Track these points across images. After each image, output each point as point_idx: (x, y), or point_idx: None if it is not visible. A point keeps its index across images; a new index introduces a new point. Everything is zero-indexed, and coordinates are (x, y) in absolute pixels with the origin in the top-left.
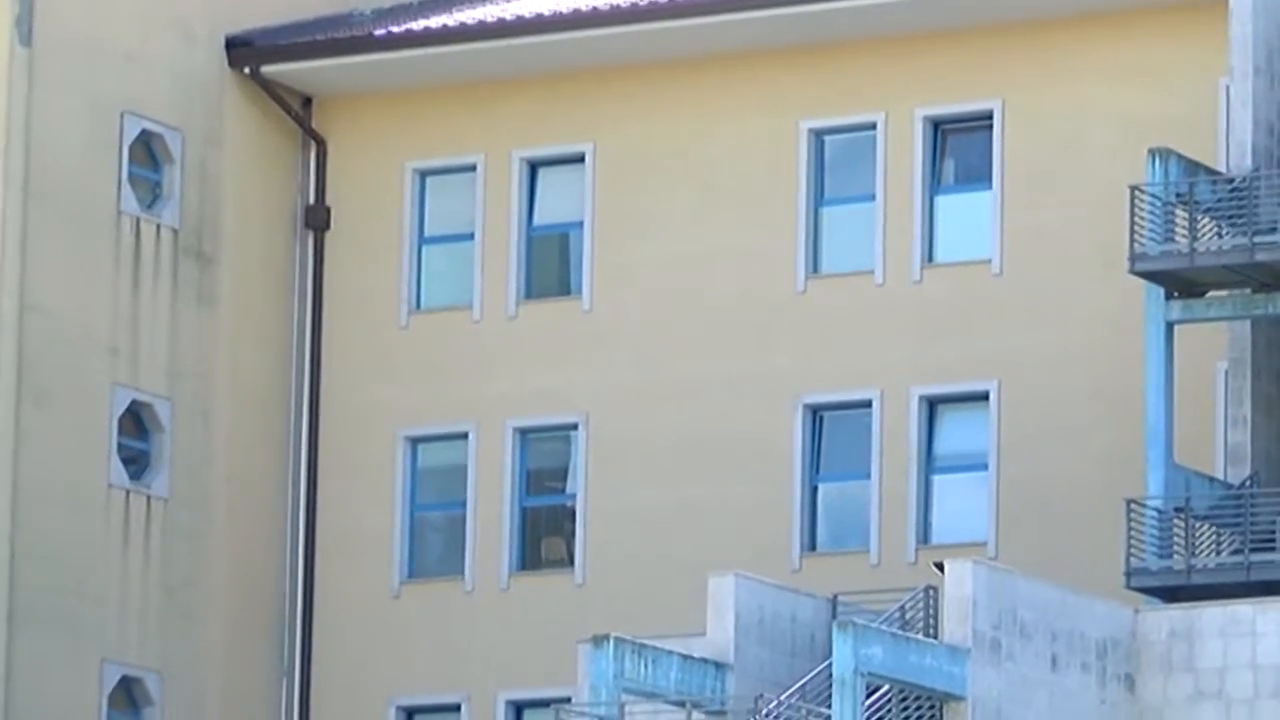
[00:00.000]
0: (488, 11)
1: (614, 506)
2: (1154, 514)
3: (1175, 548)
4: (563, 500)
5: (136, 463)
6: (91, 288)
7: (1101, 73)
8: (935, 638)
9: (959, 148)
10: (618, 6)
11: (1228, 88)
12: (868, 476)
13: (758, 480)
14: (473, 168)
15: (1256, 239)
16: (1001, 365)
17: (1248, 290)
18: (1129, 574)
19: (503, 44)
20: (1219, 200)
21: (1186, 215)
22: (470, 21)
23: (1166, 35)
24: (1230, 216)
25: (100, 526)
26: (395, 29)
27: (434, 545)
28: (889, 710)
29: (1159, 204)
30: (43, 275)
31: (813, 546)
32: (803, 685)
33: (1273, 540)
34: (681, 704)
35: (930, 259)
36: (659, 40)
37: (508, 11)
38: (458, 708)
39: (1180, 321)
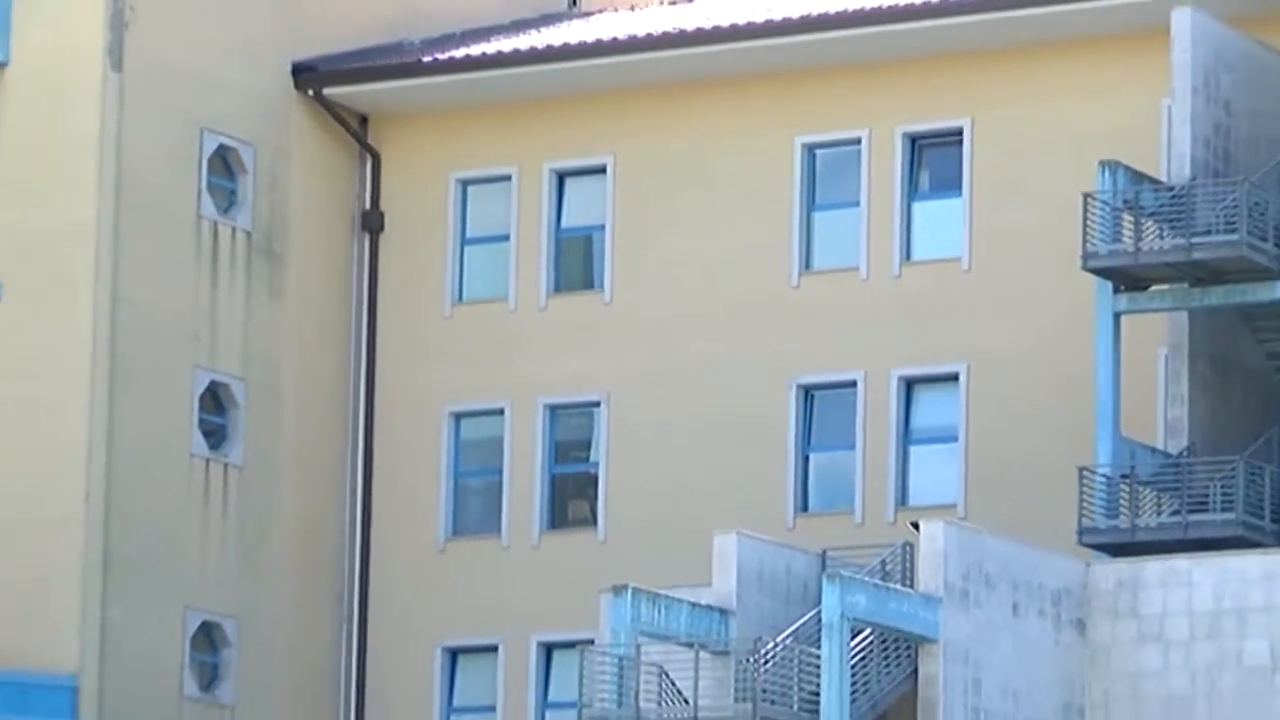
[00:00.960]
0: (521, 41)
1: (631, 474)
2: (1103, 480)
3: (1121, 509)
4: (586, 468)
5: (214, 435)
6: (175, 283)
7: (1058, 94)
8: (911, 587)
9: (933, 160)
10: (634, 36)
11: (1169, 107)
12: (852, 448)
13: (756, 451)
14: (508, 178)
15: (1194, 240)
16: (970, 350)
17: (1185, 285)
18: (1081, 532)
19: (534, 69)
20: (1161, 206)
21: (1132, 219)
22: (506, 50)
23: (1115, 61)
24: (1170, 220)
25: (183, 491)
26: (440, 56)
27: (474, 507)
28: (871, 651)
29: (1108, 209)
30: (133, 272)
31: (805, 508)
32: (796, 629)
33: (1206, 503)
34: (690, 645)
35: (908, 257)
36: (671, 66)
37: (538, 41)
38: (495, 649)
39: (1126, 312)
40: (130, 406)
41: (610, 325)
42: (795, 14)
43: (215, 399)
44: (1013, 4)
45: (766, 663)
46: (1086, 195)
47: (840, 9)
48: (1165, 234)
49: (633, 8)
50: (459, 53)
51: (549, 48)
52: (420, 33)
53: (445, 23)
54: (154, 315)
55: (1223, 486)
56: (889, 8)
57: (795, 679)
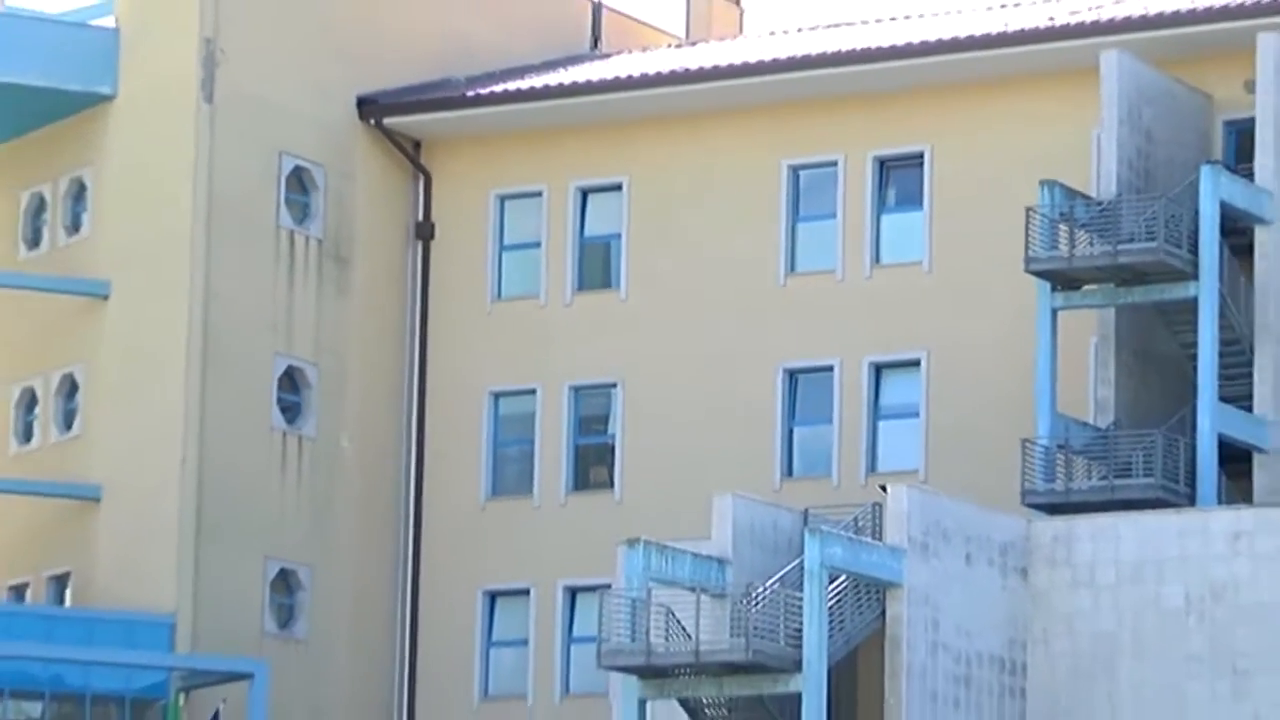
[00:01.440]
0: (550, 78)
1: (643, 445)
2: (1042, 450)
3: (1058, 475)
4: (605, 440)
5: (290, 411)
6: (257, 282)
7: (1004, 123)
8: (880, 541)
9: (898, 179)
10: (645, 74)
11: (1098, 135)
12: (830, 422)
13: (749, 425)
14: (539, 193)
15: (1119, 247)
16: (930, 341)
17: (1112, 285)
18: (1023, 494)
19: (561, 102)
20: (1091, 218)
21: (1067, 229)
22: (538, 85)
23: (1052, 95)
24: (1100, 230)
25: (264, 458)
26: (482, 90)
27: (510, 472)
28: (846, 595)
29: (1047, 221)
30: (222, 273)
31: (789, 473)
32: (782, 575)
33: (1130, 470)
34: (693, 590)
35: (877, 261)
36: (676, 100)
37: (565, 78)
38: (527, 592)
39: (1062, 308)
40: (219, 387)
41: (625, 319)
42: (781, 55)
43: (291, 380)
44: (966, 46)
45: (757, 604)
46: (1029, 209)
47: (819, 51)
48: (1095, 242)
49: (644, 49)
50: (498, 88)
51: (574, 84)
52: (465, 70)
53: (486, 62)
54: (240, 309)
55: (1144, 456)
56: (860, 50)
57: (781, 618)
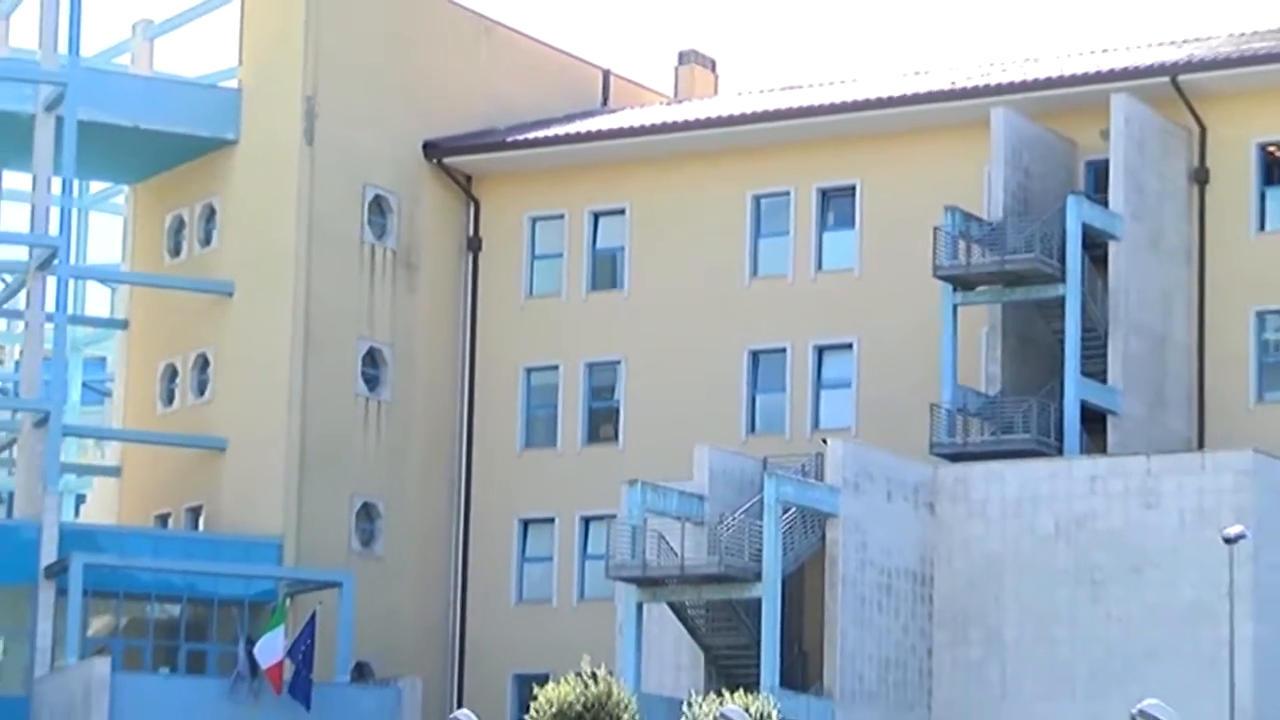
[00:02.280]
0: (570, 127)
1: (640, 408)
2: (945, 412)
3: (957, 431)
4: (612, 404)
5: (371, 382)
6: (346, 283)
7: (918, 162)
8: (821, 481)
9: (836, 206)
10: (643, 125)
11: (989, 171)
12: (783, 391)
13: (722, 393)
14: (561, 216)
15: (1005, 257)
16: (859, 329)
17: (1000, 286)
18: (931, 446)
19: (579, 146)
20: (983, 235)
21: (965, 244)
22: (560, 133)
23: (954, 141)
24: (990, 244)
25: (350, 417)
26: (518, 137)
27: (539, 428)
28: (795, 523)
29: (950, 237)
30: (319, 276)
31: (753, 430)
32: (747, 508)
33: (1012, 427)
34: (679, 519)
35: (820, 268)
36: (667, 144)
37: (581, 127)
38: (552, 520)
39: (961, 304)
40: (316, 363)
41: (627, 312)
42: (746, 110)
43: (372, 358)
44: (887, 104)
45: (727, 530)
46: (935, 228)
47: (775, 108)
48: (986, 254)
49: (641, 106)
50: (529, 135)
51: (587, 132)
52: (505, 121)
53: (521, 115)
54: (331, 304)
55: (1023, 417)
56: (807, 107)
57: (746, 541)
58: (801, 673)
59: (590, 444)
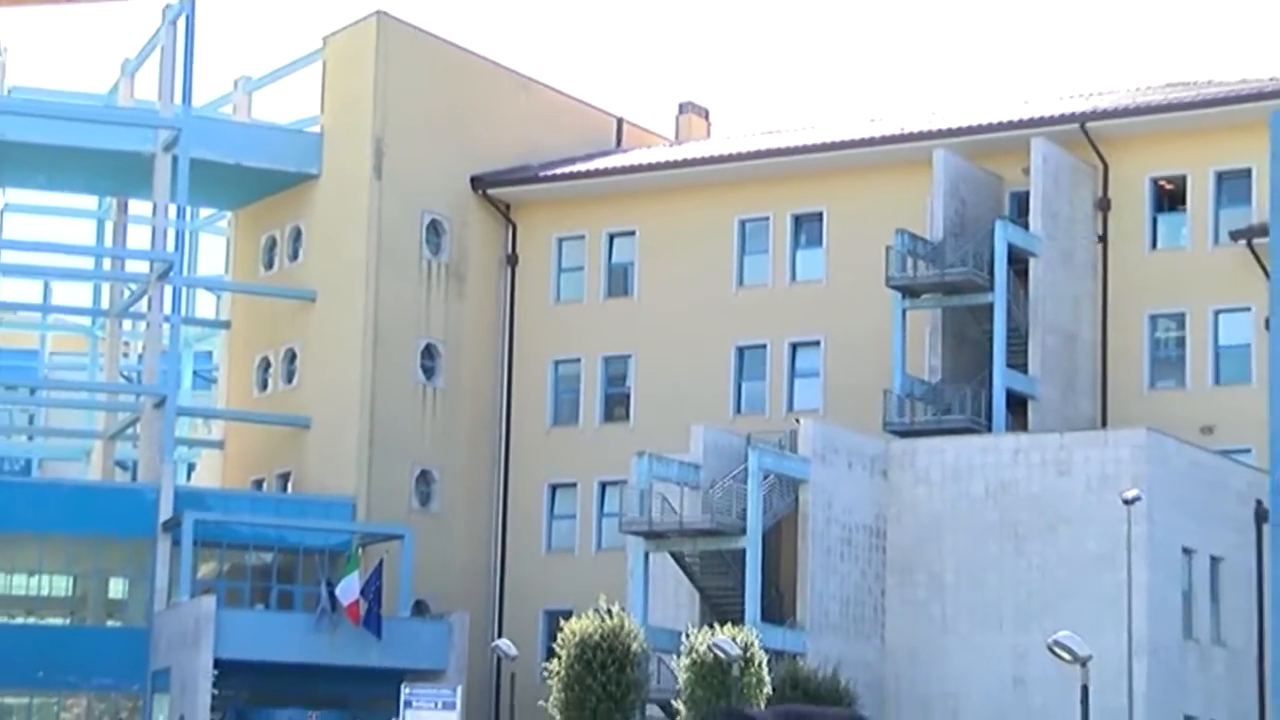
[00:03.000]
0: (589, 165)
1: (648, 393)
2: (896, 397)
3: (906, 413)
4: (624, 390)
5: (428, 371)
6: (407, 291)
7: (873, 194)
8: (795, 453)
9: (806, 228)
10: (651, 162)
11: (931, 201)
12: (764, 379)
13: (714, 381)
14: (583, 236)
15: (945, 271)
16: (826, 329)
17: (940, 294)
18: (885, 424)
19: (596, 180)
20: (927, 253)
21: (912, 260)
22: (581, 169)
23: (904, 176)
24: (932, 260)
25: (411, 400)
26: (546, 173)
27: (565, 410)
28: (774, 487)
29: (900, 254)
30: (385, 286)
31: (739, 411)
32: (733, 475)
33: (950, 410)
34: (679, 484)
35: (794, 279)
36: (671, 178)
37: (599, 165)
38: (575, 485)
39: (909, 309)
40: (383, 356)
41: (637, 315)
42: (734, 151)
43: (428, 352)
44: (849, 145)
45: (718, 493)
46: (888, 247)
47: (757, 149)
48: (929, 267)
49: (648, 147)
50: (557, 170)
51: (604, 168)
52: (537, 159)
53: (550, 154)
54: (396, 308)
55: (959, 401)
56: (783, 148)
57: (733, 502)
58: (778, 609)
59: (606, 423)
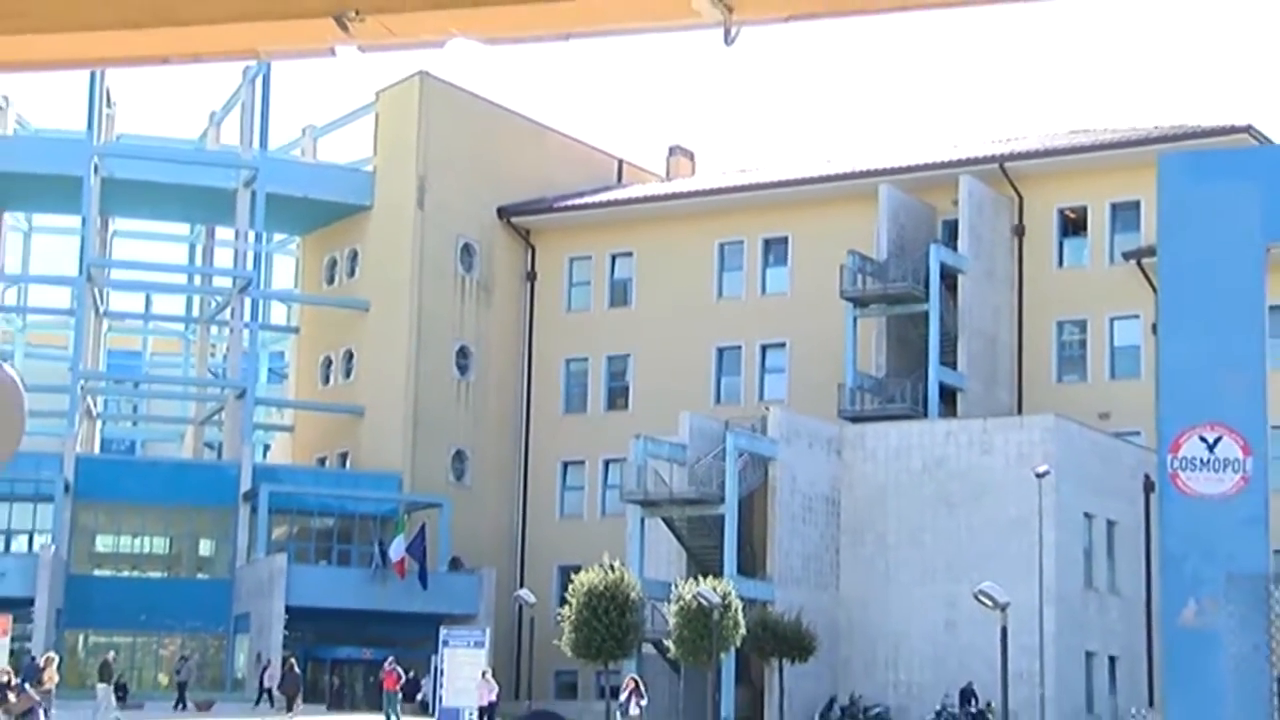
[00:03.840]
0: (595, 197)
1: (644, 386)
2: (848, 389)
3: (857, 402)
4: (624, 383)
5: (462, 368)
6: (445, 302)
7: (830, 221)
8: (765, 435)
9: (774, 251)
10: (646, 195)
11: (877, 227)
12: (739, 375)
13: (697, 376)
14: (590, 257)
15: (888, 285)
16: (791, 333)
17: (885, 304)
18: (839, 412)
19: (601, 210)
20: (873, 270)
21: (862, 276)
22: (589, 201)
23: (854, 206)
24: (877, 276)
25: (448, 392)
26: (560, 204)
27: (575, 399)
28: (748, 463)
29: (851, 271)
30: (427, 298)
31: (719, 400)
32: (714, 454)
33: (894, 400)
34: (669, 461)
35: (764, 292)
36: (659, 209)
37: (602, 197)
38: (583, 462)
39: (859, 317)
40: (425, 356)
41: (635, 321)
42: (714, 186)
43: (462, 352)
44: (809, 182)
45: (702, 469)
46: (841, 265)
47: (734, 184)
48: (875, 282)
49: (644, 183)
50: (568, 202)
51: (607, 200)
52: (551, 193)
53: (562, 189)
54: (436, 315)
55: (900, 393)
56: (754, 184)
57: (714, 476)
58: (751, 564)
59: (609, 411)
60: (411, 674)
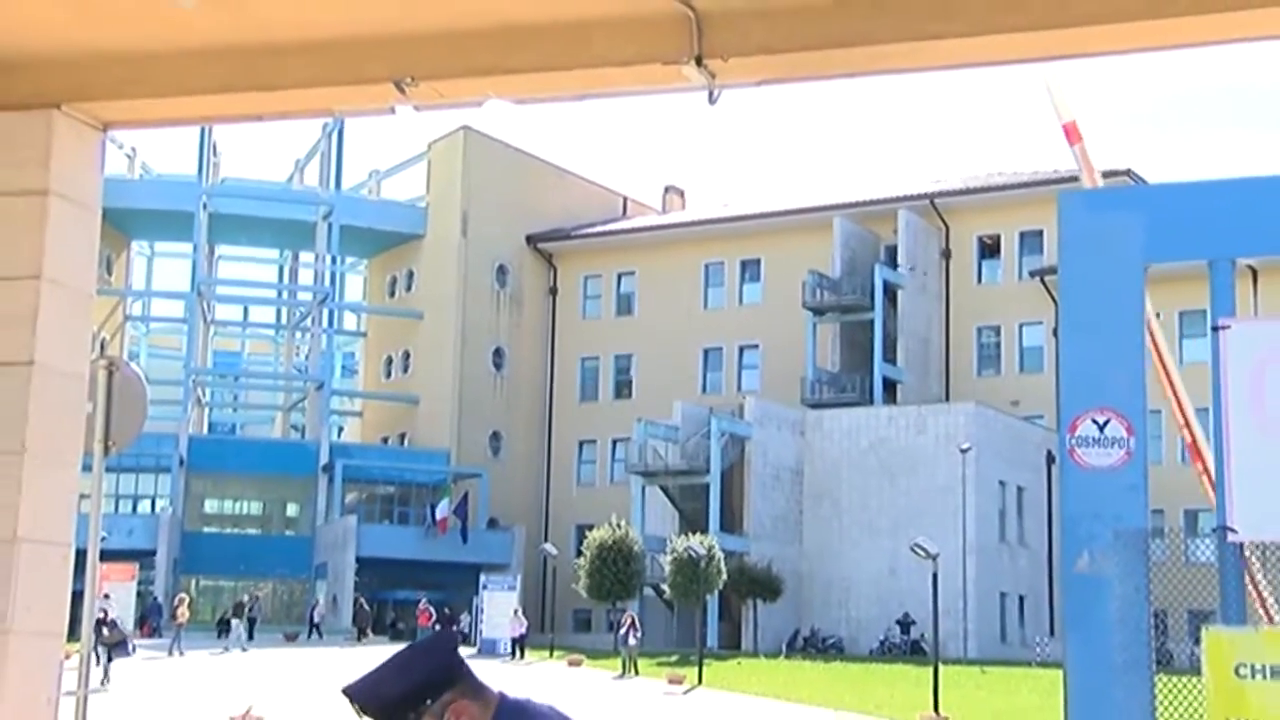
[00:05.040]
0: (604, 228)
1: (645, 380)
2: (810, 382)
3: (817, 392)
4: (629, 378)
5: (498, 365)
6: (485, 312)
7: (793, 247)
8: (743, 419)
9: (749, 270)
10: (648, 225)
11: (833, 251)
12: (722, 370)
13: (687, 372)
14: (600, 275)
15: (841, 297)
16: (763, 336)
17: (839, 313)
18: (802, 400)
19: (610, 237)
20: (829, 286)
21: (819, 291)
22: (600, 230)
23: (813, 235)
24: (833, 290)
25: (486, 384)
26: (577, 232)
27: (589, 390)
28: (728, 443)
29: (811, 287)
30: (470, 309)
31: (705, 391)
32: (701, 434)
33: (846, 390)
34: (666, 440)
35: (741, 303)
36: (657, 236)
37: (612, 227)
38: (595, 441)
39: (818, 324)
40: (468, 355)
41: (638, 327)
42: (701, 218)
43: (498, 353)
44: (777, 215)
45: (692, 446)
46: (803, 282)
47: (717, 216)
48: (831, 296)
49: (643, 215)
50: (584, 231)
51: (614, 230)
52: (570, 224)
53: (578, 220)
54: (476, 323)
55: (852, 385)
56: (734, 216)
57: (701, 452)
58: (731, 523)
59: (617, 400)
60: (447, 611)
